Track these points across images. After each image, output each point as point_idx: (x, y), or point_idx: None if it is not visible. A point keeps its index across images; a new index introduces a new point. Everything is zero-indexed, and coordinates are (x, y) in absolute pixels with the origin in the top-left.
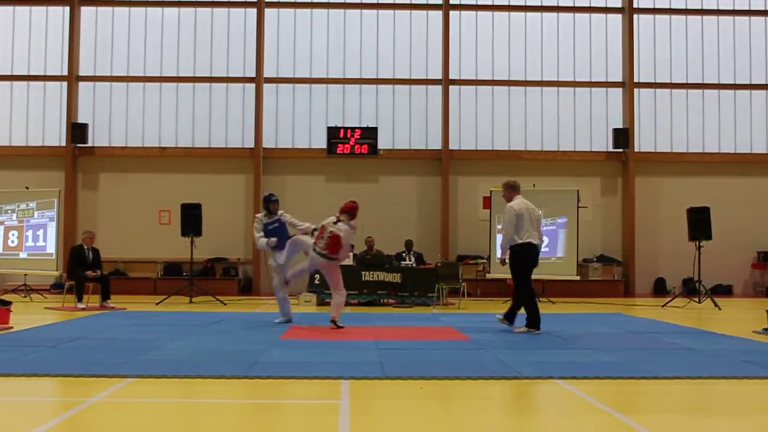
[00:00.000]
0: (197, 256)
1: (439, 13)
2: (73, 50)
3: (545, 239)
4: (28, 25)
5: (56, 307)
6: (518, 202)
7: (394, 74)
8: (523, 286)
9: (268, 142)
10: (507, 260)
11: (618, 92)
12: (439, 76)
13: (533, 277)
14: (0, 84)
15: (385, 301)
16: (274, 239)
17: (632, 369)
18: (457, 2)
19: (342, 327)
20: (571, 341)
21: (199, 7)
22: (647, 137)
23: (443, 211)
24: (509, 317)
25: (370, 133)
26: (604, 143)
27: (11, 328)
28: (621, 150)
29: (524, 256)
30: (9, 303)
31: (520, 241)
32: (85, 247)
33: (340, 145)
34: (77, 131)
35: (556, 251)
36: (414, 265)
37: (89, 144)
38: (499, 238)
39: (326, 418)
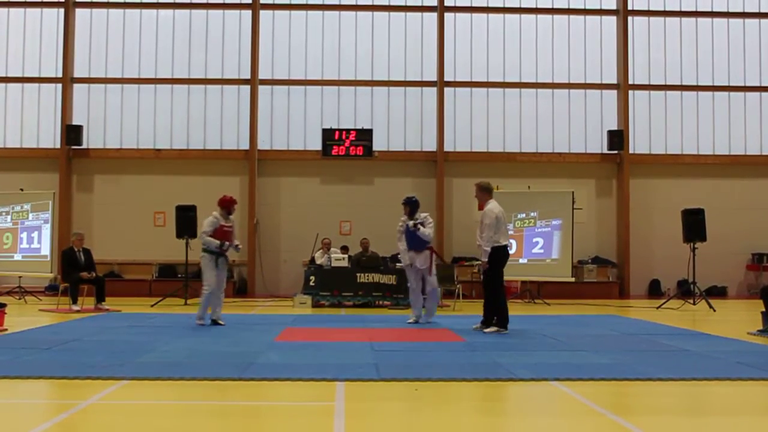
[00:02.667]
0: (192, 258)
1: (434, 15)
2: (68, 52)
3: (540, 240)
4: (23, 26)
5: (51, 309)
6: (496, 205)
7: (389, 76)
8: (500, 287)
9: (263, 144)
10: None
11: (612, 94)
12: (434, 77)
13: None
14: None
15: (381, 302)
16: None
17: (627, 371)
18: (452, 4)
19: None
20: (566, 343)
21: (193, 8)
22: (642, 139)
23: (438, 212)
24: (490, 321)
25: (365, 135)
26: (598, 145)
27: (6, 330)
28: (616, 152)
29: (502, 257)
30: (3, 305)
31: (499, 244)
32: (76, 249)
33: (335, 146)
34: (72, 133)
35: (551, 253)
36: None
37: (84, 146)
38: None
39: (321, 420)
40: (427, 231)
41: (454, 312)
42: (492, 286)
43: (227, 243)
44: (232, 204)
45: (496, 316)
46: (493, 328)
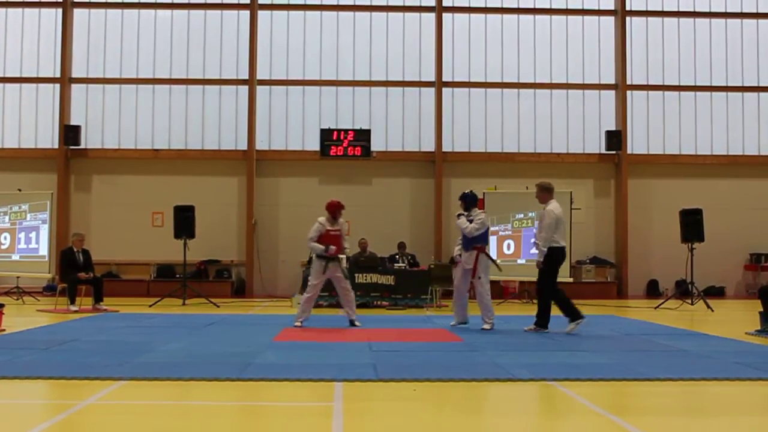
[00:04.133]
0: (190, 258)
1: (432, 16)
2: (66, 52)
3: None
4: (21, 26)
5: (49, 309)
6: (557, 205)
7: (387, 76)
8: (554, 286)
9: (261, 144)
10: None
11: (611, 94)
12: (432, 78)
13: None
14: None
15: (379, 303)
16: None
17: (625, 371)
18: (450, 4)
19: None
20: (565, 343)
21: (191, 9)
22: (640, 139)
23: (436, 213)
24: (542, 323)
25: (363, 135)
26: (597, 145)
27: (3, 330)
28: (614, 152)
29: (560, 258)
30: (1, 305)
31: (557, 245)
32: (75, 250)
33: (333, 147)
34: (70, 133)
35: None
36: (407, 267)
37: (82, 146)
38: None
39: (320, 420)
40: (468, 225)
41: (452, 312)
42: (545, 285)
43: (332, 247)
44: (337, 208)
45: (539, 315)
46: (531, 327)
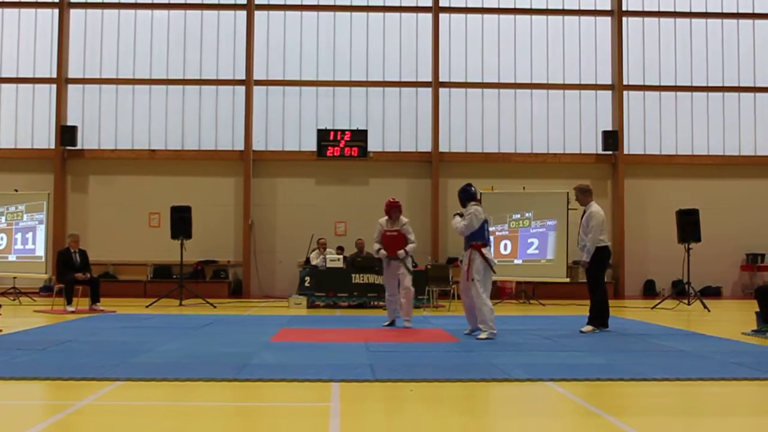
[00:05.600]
0: (187, 259)
1: (429, 16)
2: (62, 52)
3: (535, 241)
4: (17, 27)
5: (45, 310)
6: (599, 207)
7: (384, 77)
8: (602, 286)
9: (258, 145)
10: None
11: (607, 95)
12: (428, 78)
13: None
14: None
15: (376, 303)
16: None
17: (622, 371)
18: (447, 5)
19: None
20: (561, 343)
21: (188, 9)
22: (636, 140)
23: (433, 213)
24: (601, 321)
25: (360, 136)
26: (593, 146)
27: (0, 331)
28: (610, 152)
29: (605, 257)
30: None
31: (603, 244)
32: (72, 250)
33: (330, 147)
34: (66, 134)
35: (546, 254)
36: None
37: (78, 146)
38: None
39: (317, 420)
40: (458, 223)
41: (449, 312)
42: (595, 285)
43: (383, 251)
44: (390, 207)
45: (594, 315)
46: (589, 328)
